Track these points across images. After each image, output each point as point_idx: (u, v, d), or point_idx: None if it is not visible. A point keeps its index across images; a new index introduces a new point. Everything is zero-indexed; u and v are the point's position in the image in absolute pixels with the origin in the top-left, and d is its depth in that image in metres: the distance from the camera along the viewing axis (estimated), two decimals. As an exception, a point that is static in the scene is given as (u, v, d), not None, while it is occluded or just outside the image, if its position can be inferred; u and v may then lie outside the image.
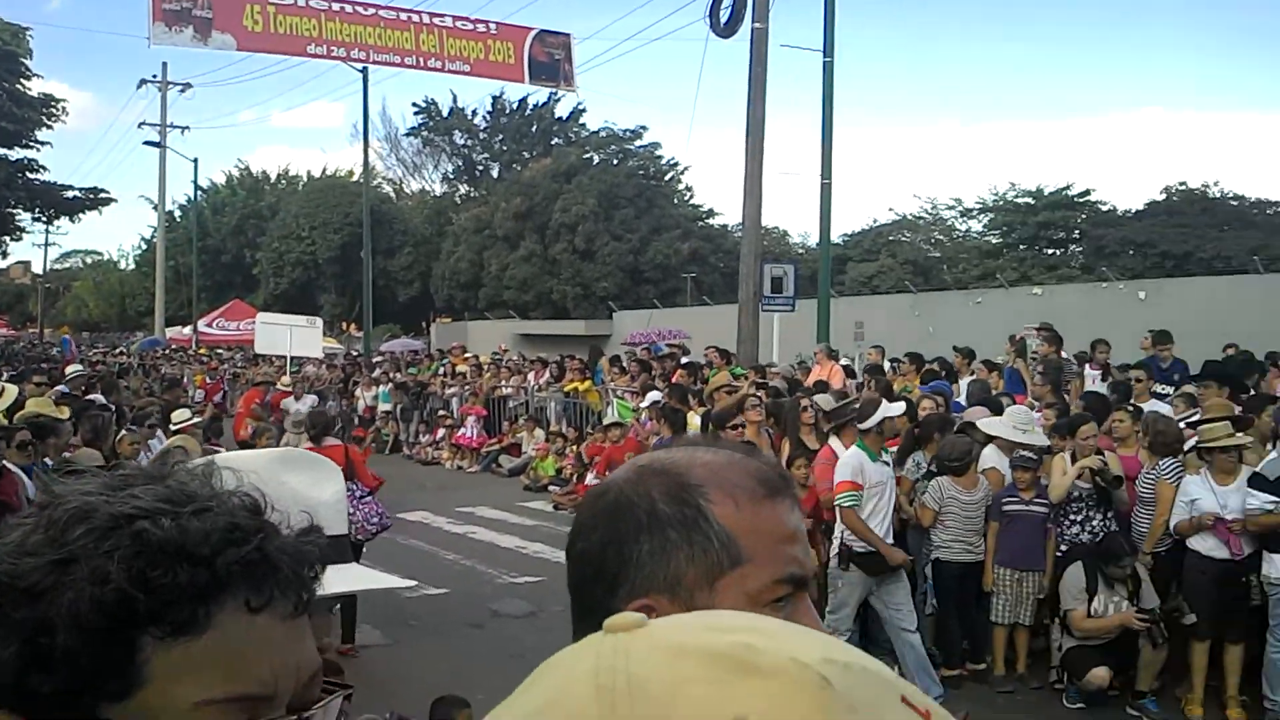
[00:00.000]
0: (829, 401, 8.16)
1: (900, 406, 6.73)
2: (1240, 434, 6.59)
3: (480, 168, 53.04)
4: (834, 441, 7.36)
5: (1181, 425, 7.30)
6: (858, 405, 7.91)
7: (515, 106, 49.73)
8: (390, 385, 20.88)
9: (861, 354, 16.00)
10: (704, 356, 16.00)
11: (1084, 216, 37.53)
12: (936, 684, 6.40)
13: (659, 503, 0.96)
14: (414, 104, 51.24)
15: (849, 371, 13.44)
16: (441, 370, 21.00)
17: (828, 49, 17.03)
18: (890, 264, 39.67)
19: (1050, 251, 38.30)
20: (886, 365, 13.31)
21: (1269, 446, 6.79)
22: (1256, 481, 6.30)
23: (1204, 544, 6.49)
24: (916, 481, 7.48)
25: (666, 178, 45.00)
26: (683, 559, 0.94)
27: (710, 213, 46.00)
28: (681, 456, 1.02)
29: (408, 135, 53.20)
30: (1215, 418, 6.62)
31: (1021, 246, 38.07)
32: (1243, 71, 77.87)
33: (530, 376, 18.92)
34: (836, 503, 6.54)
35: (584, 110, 48.41)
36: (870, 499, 6.45)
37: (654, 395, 12.39)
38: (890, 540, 6.63)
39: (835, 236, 43.18)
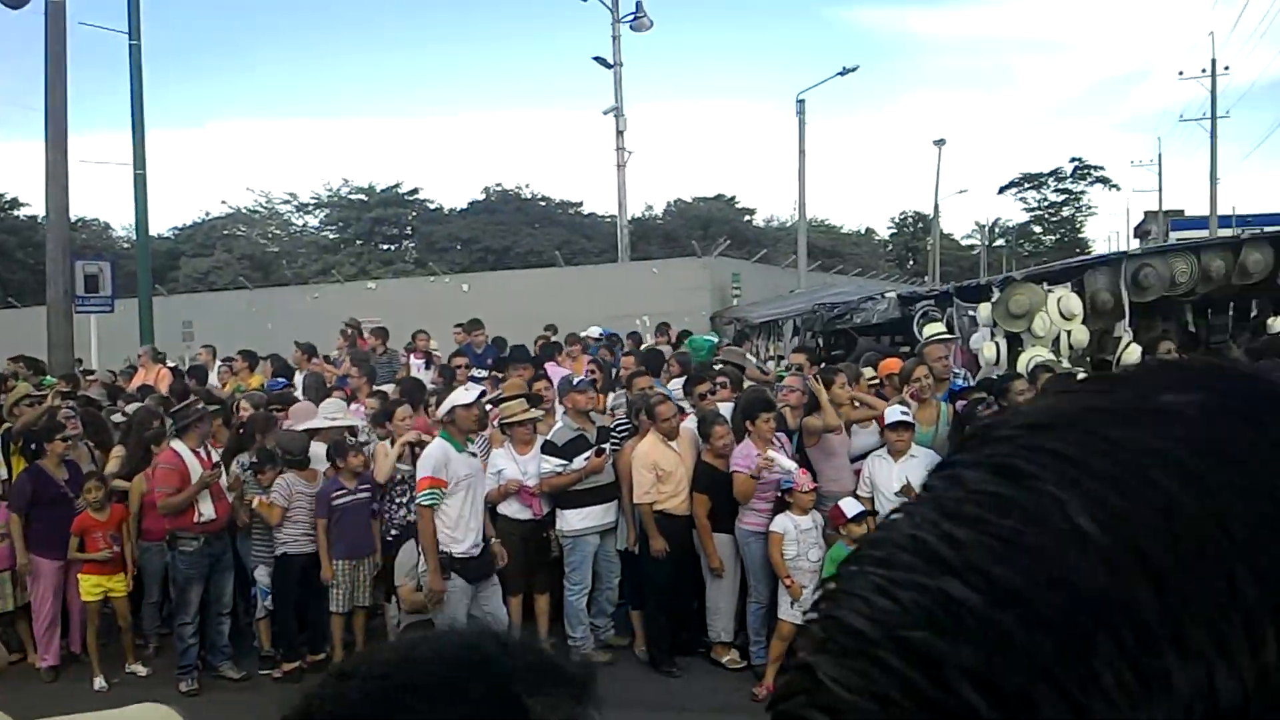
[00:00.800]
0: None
1: (472, 395, 6.54)
2: (533, 409, 7.52)
3: None
4: (176, 444, 7.18)
5: (487, 404, 8.10)
6: (199, 405, 7.58)
7: None
8: None
9: (192, 354, 15.22)
10: (6, 367, 14.00)
11: (415, 214, 39.72)
12: None
13: None
14: None
15: (177, 373, 12.70)
16: None
17: (133, 31, 15.86)
18: (227, 259, 38.25)
19: (386, 247, 39.96)
20: (217, 364, 12.83)
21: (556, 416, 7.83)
22: (548, 448, 7.25)
23: (510, 508, 7.30)
24: (245, 482, 7.35)
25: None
26: None
27: (15, 202, 40.20)
28: None
29: None
30: (511, 396, 7.46)
31: (359, 242, 39.16)
32: (550, 76, 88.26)
33: None
34: (418, 501, 6.26)
35: None
36: (457, 492, 6.17)
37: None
38: (479, 535, 6.33)
39: (165, 230, 40.64)
